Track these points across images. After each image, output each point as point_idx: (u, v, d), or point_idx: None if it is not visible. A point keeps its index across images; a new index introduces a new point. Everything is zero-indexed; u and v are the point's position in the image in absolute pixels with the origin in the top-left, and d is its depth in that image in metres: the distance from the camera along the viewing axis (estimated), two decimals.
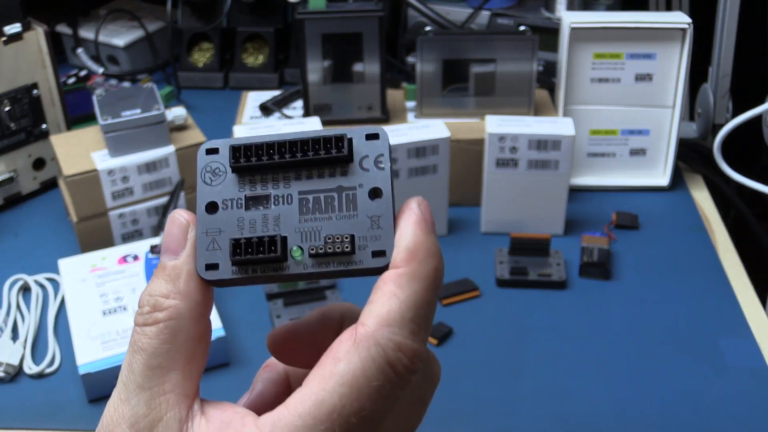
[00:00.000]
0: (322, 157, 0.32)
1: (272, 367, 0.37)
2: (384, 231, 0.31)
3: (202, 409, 0.31)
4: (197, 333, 0.31)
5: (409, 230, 0.31)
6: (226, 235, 0.32)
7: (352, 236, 0.31)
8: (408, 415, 0.32)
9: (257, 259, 0.31)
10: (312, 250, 0.31)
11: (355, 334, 0.29)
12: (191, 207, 0.88)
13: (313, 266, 0.31)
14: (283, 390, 0.36)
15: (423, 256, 0.30)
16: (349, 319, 0.35)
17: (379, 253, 0.31)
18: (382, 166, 0.32)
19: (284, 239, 0.31)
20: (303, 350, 0.35)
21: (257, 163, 0.32)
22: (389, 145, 0.32)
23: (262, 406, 0.35)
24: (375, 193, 0.32)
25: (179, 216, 0.32)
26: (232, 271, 0.31)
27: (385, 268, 0.31)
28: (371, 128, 0.32)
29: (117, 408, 0.30)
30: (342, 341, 0.29)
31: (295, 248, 0.31)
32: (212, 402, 0.31)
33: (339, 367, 0.29)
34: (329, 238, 0.31)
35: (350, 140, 0.32)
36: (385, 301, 0.30)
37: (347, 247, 0.31)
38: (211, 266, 0.31)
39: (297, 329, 0.35)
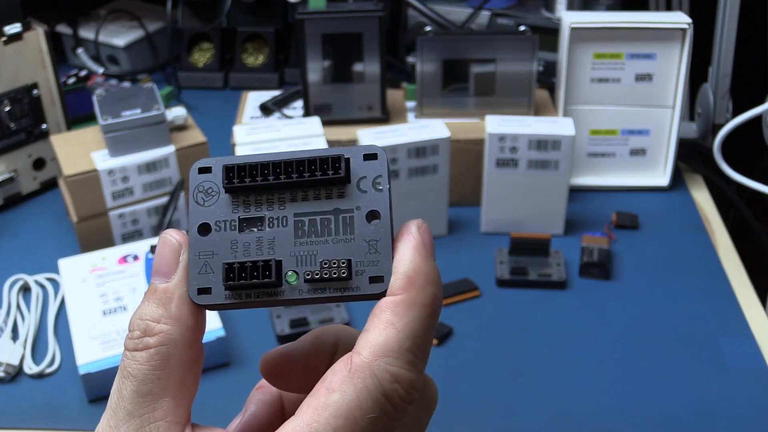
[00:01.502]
0: (318, 179, 0.31)
1: (265, 388, 0.36)
2: (382, 256, 0.30)
3: None
4: (189, 359, 0.30)
5: (407, 255, 0.30)
6: (219, 258, 0.31)
7: (349, 261, 0.30)
8: None
9: (251, 284, 0.30)
10: (307, 275, 0.30)
11: (350, 364, 0.28)
12: None
13: (308, 291, 0.30)
14: (277, 412, 0.35)
15: (422, 283, 0.29)
16: (344, 342, 0.34)
17: (377, 279, 0.30)
18: (381, 187, 0.31)
19: (279, 263, 0.30)
20: (296, 375, 0.34)
21: (251, 183, 0.31)
22: (388, 165, 0.31)
23: (256, 428, 0.34)
24: (373, 216, 0.31)
25: (171, 237, 0.31)
26: (225, 295, 0.31)
27: (383, 294, 0.30)
28: (369, 148, 0.31)
29: None
30: (336, 371, 0.29)
31: (290, 273, 0.30)
32: (203, 428, 0.31)
33: (333, 398, 0.28)
34: (325, 263, 0.30)
35: (347, 161, 0.31)
36: (382, 330, 0.29)
37: (344, 273, 0.30)
38: (204, 290, 0.31)
39: (290, 353, 0.34)
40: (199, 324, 0.31)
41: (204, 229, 0.31)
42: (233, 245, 0.31)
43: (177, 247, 0.31)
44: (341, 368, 0.29)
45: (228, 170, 0.31)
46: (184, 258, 0.31)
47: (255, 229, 0.31)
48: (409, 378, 0.29)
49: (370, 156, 0.31)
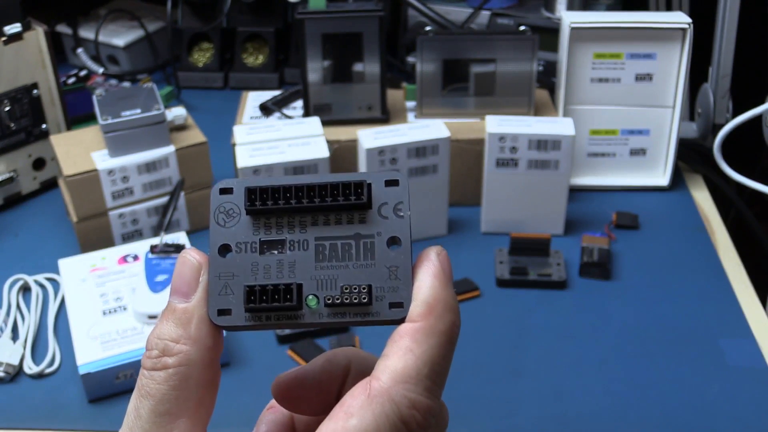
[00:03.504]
0: (340, 204, 0.31)
1: (276, 408, 0.36)
2: (402, 282, 0.31)
3: None
4: (207, 379, 0.31)
5: (427, 283, 0.30)
6: (240, 280, 0.31)
7: (370, 287, 0.31)
8: None
9: (272, 307, 0.30)
10: (328, 299, 0.31)
11: (369, 389, 0.29)
12: (191, 207, 0.88)
13: (328, 316, 0.31)
14: None
15: (441, 311, 0.30)
16: (356, 365, 0.35)
17: (397, 305, 0.30)
18: (402, 214, 0.31)
19: (300, 287, 0.31)
20: (308, 397, 0.34)
21: (273, 206, 0.31)
22: (408, 192, 0.32)
23: None
24: (393, 242, 0.31)
25: (191, 257, 0.31)
26: (245, 317, 0.31)
27: (402, 320, 0.30)
28: (391, 174, 0.32)
29: None
30: (355, 396, 0.29)
31: (310, 297, 0.31)
32: None
33: (351, 423, 0.28)
34: (346, 288, 0.31)
35: (369, 186, 0.31)
36: (401, 357, 0.29)
37: (364, 298, 0.30)
38: (224, 312, 0.31)
39: (303, 376, 0.35)
40: (218, 344, 0.31)
41: (224, 250, 0.31)
42: (254, 267, 0.31)
43: (197, 267, 0.31)
44: (360, 393, 0.29)
45: (250, 192, 0.31)
46: (204, 278, 0.31)
47: (276, 252, 0.31)
48: (426, 404, 0.29)
49: (392, 182, 0.31)
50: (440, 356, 0.29)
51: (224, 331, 0.32)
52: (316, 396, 0.34)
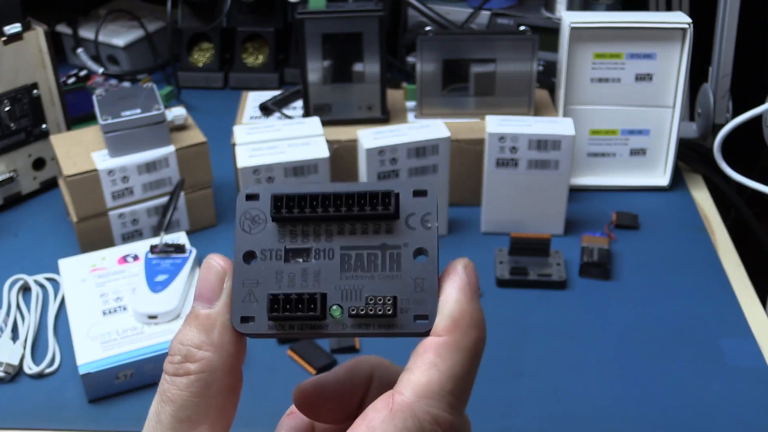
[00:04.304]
0: (367, 213, 0.31)
1: (296, 414, 0.36)
2: (428, 294, 0.30)
3: None
4: (229, 386, 0.30)
5: (453, 296, 0.30)
6: (264, 288, 0.31)
7: (395, 298, 0.30)
8: None
9: (295, 316, 0.30)
10: (352, 310, 0.30)
11: (391, 403, 0.28)
12: (191, 207, 0.88)
13: (352, 326, 0.30)
14: None
15: (466, 326, 0.29)
16: (379, 375, 0.34)
17: (422, 317, 0.30)
18: (429, 225, 0.31)
19: (324, 297, 0.30)
20: (330, 406, 0.34)
21: (299, 214, 0.31)
22: (437, 203, 0.31)
23: None
24: (420, 253, 0.31)
25: (215, 262, 0.31)
26: (268, 326, 0.31)
27: (427, 333, 0.30)
28: (420, 183, 0.31)
29: None
30: (377, 409, 0.28)
31: (334, 307, 0.30)
32: None
33: None
34: (371, 299, 0.30)
35: (397, 196, 0.31)
36: (425, 371, 0.29)
37: (389, 310, 0.30)
38: (247, 319, 0.31)
39: (324, 384, 0.34)
40: (240, 352, 0.31)
41: (249, 256, 0.31)
42: (278, 275, 0.31)
43: (221, 273, 0.31)
44: (382, 406, 0.28)
45: (276, 199, 0.31)
46: (227, 285, 0.31)
47: (301, 260, 0.31)
48: (449, 421, 0.29)
49: (420, 192, 0.31)
50: (464, 372, 0.29)
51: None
52: (337, 404, 0.34)
